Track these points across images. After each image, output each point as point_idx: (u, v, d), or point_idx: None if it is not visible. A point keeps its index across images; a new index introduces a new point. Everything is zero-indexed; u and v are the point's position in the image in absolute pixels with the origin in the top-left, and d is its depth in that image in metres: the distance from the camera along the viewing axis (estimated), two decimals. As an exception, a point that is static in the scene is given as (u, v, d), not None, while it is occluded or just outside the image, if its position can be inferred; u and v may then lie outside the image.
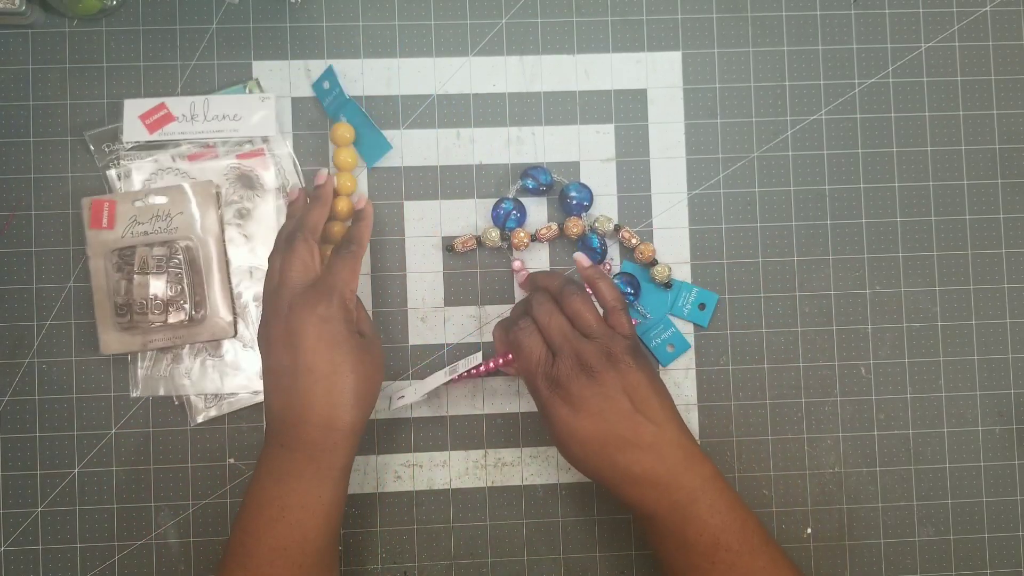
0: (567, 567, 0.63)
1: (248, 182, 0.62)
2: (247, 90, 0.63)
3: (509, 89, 0.64)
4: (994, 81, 0.66)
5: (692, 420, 0.63)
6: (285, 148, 0.63)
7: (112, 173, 0.62)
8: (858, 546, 0.63)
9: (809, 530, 0.63)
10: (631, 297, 0.63)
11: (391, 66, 0.64)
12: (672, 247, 0.64)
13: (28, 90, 0.63)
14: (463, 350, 0.63)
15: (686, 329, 0.64)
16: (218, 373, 0.61)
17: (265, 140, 0.63)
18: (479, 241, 0.63)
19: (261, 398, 0.62)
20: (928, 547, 0.64)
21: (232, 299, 0.62)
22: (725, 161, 0.65)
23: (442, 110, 0.64)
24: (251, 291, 0.62)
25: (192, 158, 0.62)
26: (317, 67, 0.63)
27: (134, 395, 0.61)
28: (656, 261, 0.63)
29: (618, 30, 0.65)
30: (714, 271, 0.64)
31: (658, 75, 0.65)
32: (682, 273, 0.64)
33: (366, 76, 0.64)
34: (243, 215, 0.62)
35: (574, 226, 0.62)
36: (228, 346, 0.62)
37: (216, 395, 0.62)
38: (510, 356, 0.57)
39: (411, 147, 0.64)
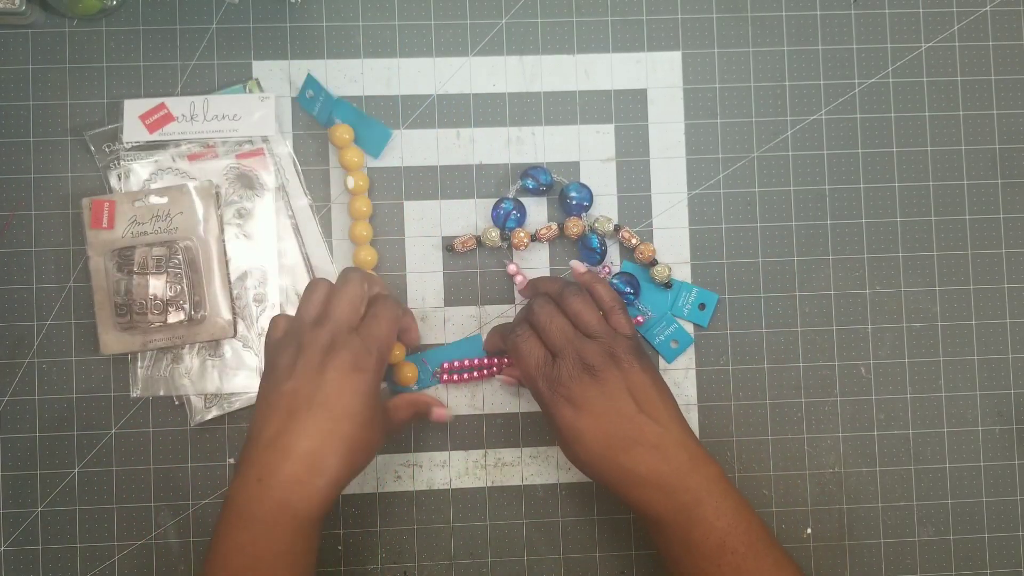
0: (567, 567, 0.63)
1: (248, 182, 0.62)
2: (247, 90, 0.63)
3: (509, 89, 0.64)
4: (994, 81, 0.66)
5: (692, 420, 0.63)
6: (285, 148, 0.63)
7: (112, 173, 0.62)
8: (858, 546, 0.63)
9: (809, 530, 0.63)
10: (631, 297, 0.63)
11: (391, 66, 0.64)
12: (672, 247, 0.64)
13: (28, 90, 0.63)
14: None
15: (686, 330, 0.64)
16: (218, 373, 0.61)
17: (265, 140, 0.63)
18: (479, 241, 0.63)
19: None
20: (928, 547, 0.64)
21: (232, 299, 0.62)
22: (725, 161, 0.65)
23: (442, 110, 0.64)
24: (251, 291, 0.62)
25: (192, 158, 0.62)
26: (317, 67, 0.63)
27: (134, 395, 0.61)
28: (656, 261, 0.63)
29: (618, 30, 0.65)
30: (714, 271, 0.64)
31: (658, 75, 0.65)
32: (682, 273, 0.64)
33: (366, 76, 0.64)
34: (243, 215, 0.62)
35: (574, 226, 0.62)
36: (228, 346, 0.62)
37: (216, 395, 0.62)
38: (506, 360, 0.57)
39: (411, 147, 0.64)
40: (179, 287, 0.60)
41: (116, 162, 0.62)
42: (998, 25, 0.66)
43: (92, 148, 0.62)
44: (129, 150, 0.62)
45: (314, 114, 0.63)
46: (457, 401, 0.63)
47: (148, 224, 0.61)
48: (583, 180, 0.64)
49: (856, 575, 0.63)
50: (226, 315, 0.61)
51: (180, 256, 0.60)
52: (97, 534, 0.61)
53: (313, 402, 0.51)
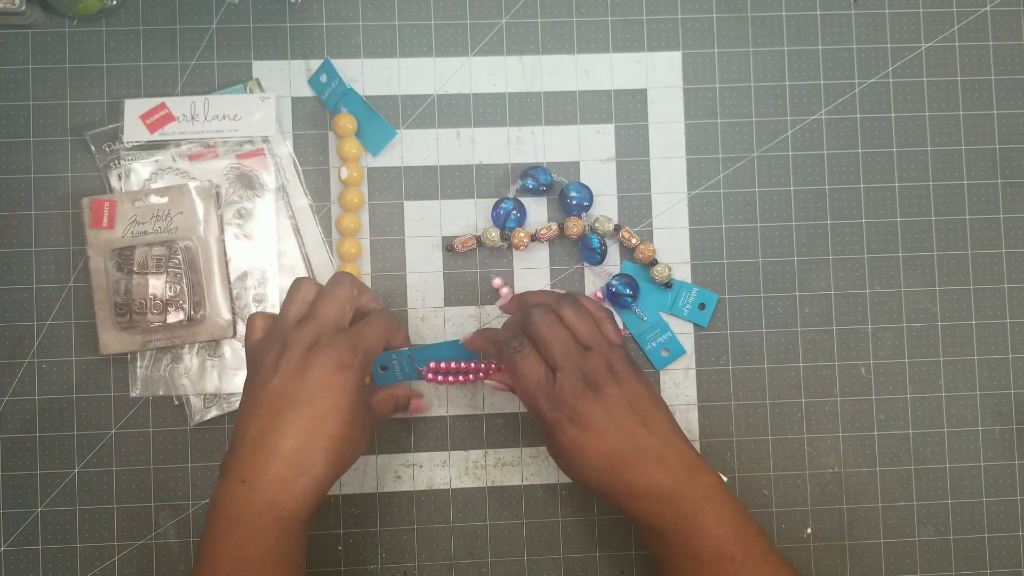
0: (567, 567, 0.63)
1: (248, 182, 0.62)
2: (247, 90, 0.63)
3: (509, 89, 0.64)
4: (994, 81, 0.66)
5: (692, 420, 0.63)
6: (285, 148, 0.63)
7: (112, 173, 0.62)
8: (858, 546, 0.63)
9: (809, 530, 0.63)
10: (629, 299, 0.62)
11: (391, 66, 0.64)
12: (672, 247, 0.64)
13: (28, 90, 0.63)
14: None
15: (686, 329, 0.64)
16: (217, 373, 0.61)
17: (265, 140, 0.63)
18: (479, 241, 0.63)
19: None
20: (928, 547, 0.64)
21: (232, 299, 0.62)
22: (725, 161, 0.65)
23: (442, 110, 0.64)
24: (251, 291, 0.62)
25: (192, 158, 0.62)
26: (317, 67, 0.63)
27: (134, 395, 0.61)
28: (656, 261, 0.63)
29: (618, 30, 0.65)
30: (714, 271, 0.64)
31: (658, 75, 0.65)
32: (682, 273, 0.64)
33: (366, 76, 0.64)
34: (243, 215, 0.62)
35: (574, 226, 0.62)
36: (228, 346, 0.62)
37: (216, 395, 0.62)
38: (493, 366, 0.56)
39: (411, 147, 0.64)
40: (179, 287, 0.60)
41: (116, 162, 0.62)
42: (998, 25, 0.66)
43: (92, 148, 0.62)
44: (129, 150, 0.62)
45: (323, 98, 0.63)
46: (457, 401, 0.63)
47: (148, 224, 0.61)
48: (583, 180, 0.64)
49: (856, 575, 0.63)
50: (226, 315, 0.61)
51: (180, 256, 0.60)
52: (97, 534, 0.61)
53: (297, 400, 0.50)
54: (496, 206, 0.63)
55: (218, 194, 0.62)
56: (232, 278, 0.62)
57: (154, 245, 0.60)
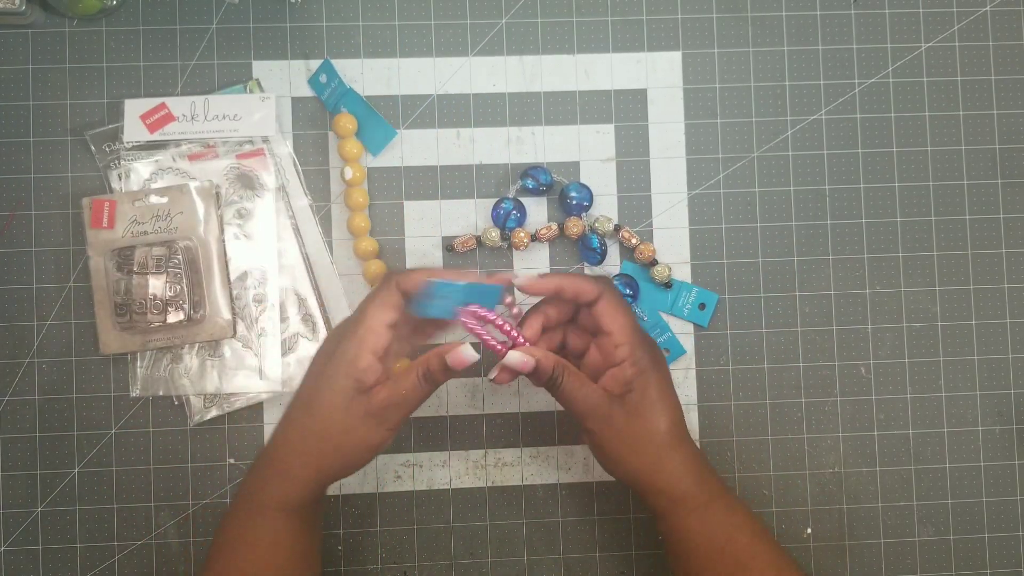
0: (567, 567, 0.63)
1: (248, 182, 0.62)
2: (247, 90, 0.63)
3: (509, 89, 0.64)
4: (994, 81, 0.66)
5: (692, 420, 0.63)
6: (285, 148, 0.63)
7: (112, 173, 0.62)
8: (858, 546, 0.63)
9: (809, 530, 0.63)
10: (629, 299, 0.63)
11: (391, 66, 0.64)
12: (672, 247, 0.64)
13: (28, 90, 0.63)
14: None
15: (686, 330, 0.64)
16: (217, 373, 0.61)
17: (265, 140, 0.63)
18: (479, 241, 0.63)
19: (261, 398, 0.62)
20: (928, 547, 0.64)
21: (232, 299, 0.62)
22: (725, 161, 0.65)
23: (442, 110, 0.64)
24: (251, 291, 0.62)
25: (192, 158, 0.62)
26: (317, 67, 0.63)
27: (134, 395, 0.61)
28: (656, 261, 0.63)
29: (618, 30, 0.65)
30: (714, 271, 0.64)
31: (658, 75, 0.65)
32: (682, 273, 0.64)
33: (366, 76, 0.64)
34: (243, 215, 0.62)
35: (574, 226, 0.62)
36: (227, 346, 0.62)
37: (216, 395, 0.62)
38: (520, 339, 0.52)
39: (411, 147, 0.64)
40: (179, 287, 0.60)
41: (116, 162, 0.62)
42: (998, 25, 0.66)
43: (92, 148, 0.62)
44: (129, 150, 0.62)
45: (323, 98, 0.63)
46: (457, 401, 0.63)
47: (148, 224, 0.61)
48: (583, 180, 0.64)
49: (856, 575, 0.63)
50: (226, 315, 0.61)
51: (180, 256, 0.60)
52: (97, 534, 0.61)
53: (301, 400, 0.52)
54: (496, 206, 0.63)
55: (218, 194, 0.62)
56: (232, 278, 0.62)
57: (154, 245, 0.60)
